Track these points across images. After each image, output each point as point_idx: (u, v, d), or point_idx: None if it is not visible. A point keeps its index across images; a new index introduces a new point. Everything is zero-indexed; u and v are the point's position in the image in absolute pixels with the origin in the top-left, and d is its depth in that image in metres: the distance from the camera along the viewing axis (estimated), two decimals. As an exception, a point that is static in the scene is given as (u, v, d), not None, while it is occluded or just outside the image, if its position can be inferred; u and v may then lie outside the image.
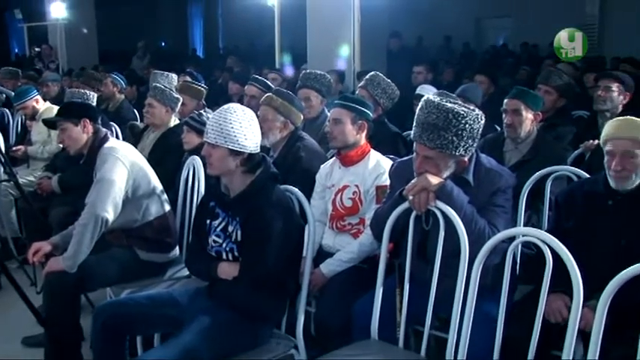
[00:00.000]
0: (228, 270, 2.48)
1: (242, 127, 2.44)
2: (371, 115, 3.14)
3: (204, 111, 3.82)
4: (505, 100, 3.53)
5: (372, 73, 4.10)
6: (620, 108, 4.04)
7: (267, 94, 3.55)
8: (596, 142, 3.37)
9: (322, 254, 3.03)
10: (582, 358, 2.21)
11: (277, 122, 3.39)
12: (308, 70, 4.54)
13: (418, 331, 2.55)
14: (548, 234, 2.16)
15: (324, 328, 2.78)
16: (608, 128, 2.56)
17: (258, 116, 2.72)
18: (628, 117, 2.62)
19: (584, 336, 2.19)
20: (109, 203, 2.95)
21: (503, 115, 3.52)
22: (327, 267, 2.91)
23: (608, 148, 2.51)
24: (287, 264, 2.47)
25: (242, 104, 3.19)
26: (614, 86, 4.08)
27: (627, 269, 1.83)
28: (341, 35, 7.12)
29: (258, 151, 2.53)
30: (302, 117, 3.55)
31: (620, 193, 2.50)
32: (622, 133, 2.48)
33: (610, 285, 1.86)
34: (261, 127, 2.60)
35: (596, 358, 1.89)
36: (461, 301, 2.25)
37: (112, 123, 4.95)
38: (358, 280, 2.81)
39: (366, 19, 7.06)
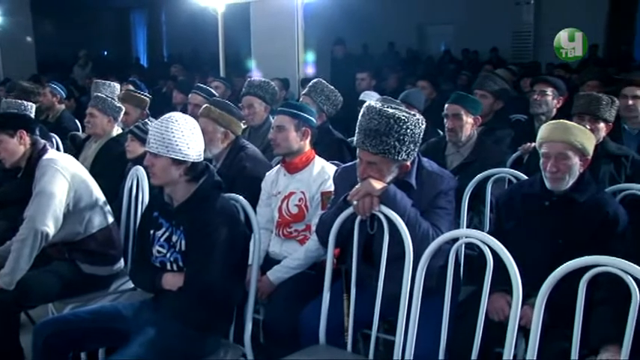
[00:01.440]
0: (172, 280, 2.46)
1: (184, 136, 2.42)
2: (314, 121, 3.16)
3: (149, 120, 3.77)
4: (446, 105, 3.61)
5: (315, 80, 4.14)
6: (555, 111, 4.20)
7: (205, 105, 3.52)
8: (533, 144, 3.49)
9: (269, 262, 3.03)
10: (524, 354, 2.28)
11: (218, 133, 3.37)
12: (252, 78, 4.53)
13: (367, 334, 2.58)
14: (488, 235, 2.22)
15: (273, 336, 2.78)
16: (542, 131, 2.66)
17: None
18: (561, 120, 2.72)
19: (525, 333, 2.25)
20: (49, 217, 2.88)
21: (445, 120, 3.60)
22: (274, 274, 2.90)
23: (544, 151, 2.61)
24: (233, 272, 2.46)
25: (186, 113, 3.17)
26: (549, 90, 4.24)
27: (560, 267, 1.90)
28: (285, 43, 7.15)
29: (202, 159, 2.52)
30: (242, 126, 3.54)
31: (556, 194, 2.59)
32: (556, 136, 2.57)
33: (546, 283, 1.93)
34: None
35: (535, 353, 1.95)
36: (407, 304, 2.28)
37: (52, 134, 4.82)
38: (306, 287, 2.81)
39: (310, 27, 7.10)
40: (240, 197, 2.70)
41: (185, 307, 2.41)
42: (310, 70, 7.24)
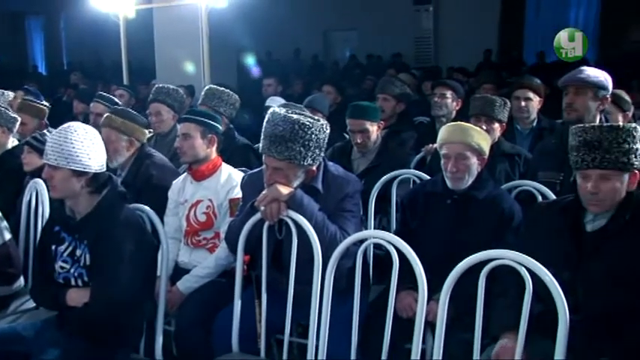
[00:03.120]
0: (77, 296, 2.37)
1: (84, 146, 2.35)
2: (220, 128, 3.15)
3: (48, 131, 3.62)
4: (348, 120, 3.64)
5: (206, 87, 4.16)
6: (454, 114, 4.37)
7: (105, 114, 3.42)
8: (435, 145, 3.63)
9: (179, 272, 2.98)
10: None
11: (122, 142, 3.29)
12: (160, 85, 4.44)
13: (280, 340, 2.58)
14: (393, 235, 2.29)
15: (185, 347, 2.74)
16: (442, 133, 2.78)
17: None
18: (459, 122, 2.86)
19: (433, 327, 2.32)
20: (-63, 236, 2.70)
21: (351, 135, 3.66)
22: (184, 284, 2.86)
23: (444, 152, 2.72)
24: (141, 285, 2.41)
25: (89, 123, 3.07)
26: (449, 93, 4.42)
27: (461, 262, 1.99)
28: (190, 49, 7.06)
29: (104, 170, 2.45)
30: (146, 132, 3.47)
31: (457, 192, 2.71)
32: (454, 137, 2.70)
33: (449, 278, 2.01)
34: (106, 150, 2.51)
35: (441, 346, 2.03)
36: (317, 306, 2.31)
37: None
38: (217, 295, 2.79)
39: (215, 34, 7.05)
40: (146, 207, 2.65)
41: (91, 323, 2.34)
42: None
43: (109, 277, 2.32)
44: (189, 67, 6.99)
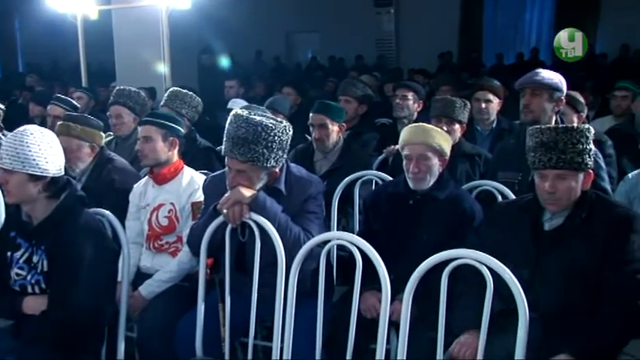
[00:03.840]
0: (34, 304, 2.32)
1: (41, 149, 2.30)
2: (182, 130, 3.12)
3: (2, 134, 3.53)
4: (311, 115, 3.66)
5: (170, 89, 4.12)
6: (416, 115, 4.42)
7: (60, 123, 3.34)
8: (397, 146, 3.66)
9: (141, 276, 2.94)
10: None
11: (85, 149, 3.22)
12: (121, 87, 4.37)
13: (245, 343, 2.57)
14: (356, 236, 2.31)
15: (148, 353, 2.71)
16: (404, 134, 2.80)
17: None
18: (421, 124, 2.89)
19: (398, 327, 2.34)
20: None
21: (311, 129, 3.67)
22: (147, 289, 2.83)
23: (406, 153, 2.75)
24: (101, 290, 2.37)
25: (46, 126, 3.00)
26: (410, 95, 4.46)
27: (423, 262, 2.01)
28: (151, 51, 6.98)
29: (62, 174, 2.40)
30: (103, 135, 3.42)
31: (419, 193, 2.74)
32: (416, 138, 2.73)
33: (412, 278, 2.04)
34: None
35: (406, 345, 2.05)
36: (282, 308, 2.31)
37: None
38: (180, 299, 2.76)
39: (175, 36, 6.99)
40: (107, 212, 2.61)
41: (50, 331, 2.28)
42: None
43: (68, 284, 2.27)
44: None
